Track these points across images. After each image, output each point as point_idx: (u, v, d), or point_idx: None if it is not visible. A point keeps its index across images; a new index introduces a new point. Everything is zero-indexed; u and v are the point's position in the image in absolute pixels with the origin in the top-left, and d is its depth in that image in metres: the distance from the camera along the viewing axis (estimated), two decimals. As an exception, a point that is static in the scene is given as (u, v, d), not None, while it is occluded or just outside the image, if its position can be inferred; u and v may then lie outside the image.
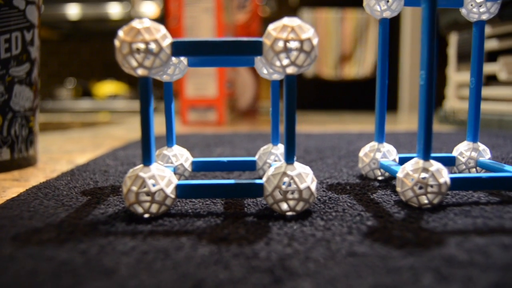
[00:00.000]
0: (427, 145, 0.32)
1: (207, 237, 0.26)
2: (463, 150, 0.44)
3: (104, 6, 2.48)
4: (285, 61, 0.29)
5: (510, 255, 0.23)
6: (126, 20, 2.48)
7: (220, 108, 1.23)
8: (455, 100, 1.23)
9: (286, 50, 0.28)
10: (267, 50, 0.29)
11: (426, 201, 0.32)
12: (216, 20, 1.18)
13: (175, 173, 0.41)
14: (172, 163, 0.40)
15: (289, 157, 0.30)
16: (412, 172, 0.32)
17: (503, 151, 0.61)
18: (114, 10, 2.48)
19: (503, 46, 1.00)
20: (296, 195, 0.30)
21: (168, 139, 0.41)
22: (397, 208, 0.32)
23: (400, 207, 0.32)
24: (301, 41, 0.28)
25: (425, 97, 0.31)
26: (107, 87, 2.51)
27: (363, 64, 2.12)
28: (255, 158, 0.43)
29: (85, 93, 2.56)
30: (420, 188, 0.31)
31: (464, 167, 0.44)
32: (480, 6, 0.41)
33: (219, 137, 0.85)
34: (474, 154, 0.43)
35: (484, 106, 1.07)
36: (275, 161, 0.42)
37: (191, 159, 0.42)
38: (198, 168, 0.42)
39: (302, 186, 0.30)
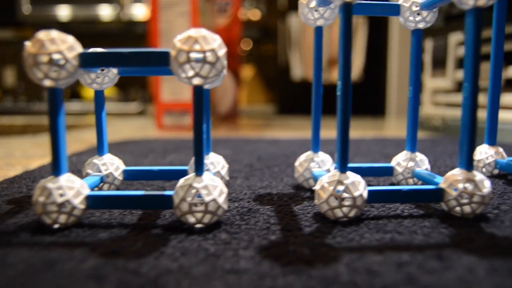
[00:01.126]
0: (343, 157, 0.32)
1: (100, 250, 0.26)
2: (400, 160, 0.44)
3: (94, 8, 2.48)
4: (190, 72, 0.29)
5: (399, 275, 0.23)
6: (116, 22, 2.49)
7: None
8: (431, 106, 1.22)
9: (190, 61, 0.28)
10: (172, 61, 0.29)
11: (341, 214, 0.32)
12: (192, 24, 1.18)
13: (104, 183, 0.40)
14: (101, 172, 0.40)
15: (198, 169, 0.30)
16: (327, 184, 0.32)
17: (449, 160, 0.60)
18: (104, 12, 2.48)
19: None
20: (202, 208, 0.29)
21: (99, 148, 0.41)
22: (311, 221, 0.32)
23: (315, 220, 0.32)
24: (205, 52, 0.28)
25: (340, 105, 0.31)
26: (95, 89, 2.51)
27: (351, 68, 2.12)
28: (187, 167, 0.43)
29: (73, 95, 2.56)
30: (335, 200, 0.31)
31: (401, 177, 0.44)
32: (417, 14, 0.40)
33: (181, 143, 0.84)
34: (411, 164, 0.43)
35: (457, 113, 1.07)
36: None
37: (122, 168, 0.42)
38: (130, 177, 0.42)
39: (207, 199, 0.29)
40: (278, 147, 0.77)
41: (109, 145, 0.79)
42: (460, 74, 1.07)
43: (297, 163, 0.43)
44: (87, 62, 0.29)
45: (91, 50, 0.31)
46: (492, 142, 0.50)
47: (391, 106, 1.97)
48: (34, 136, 1.07)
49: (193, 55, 0.28)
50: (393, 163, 0.45)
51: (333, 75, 2.11)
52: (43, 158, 0.68)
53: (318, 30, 0.41)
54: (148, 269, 0.23)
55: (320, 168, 0.42)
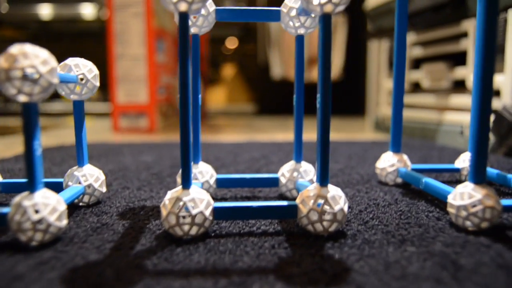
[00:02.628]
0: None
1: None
2: (285, 171, 0.43)
3: (75, 7, 2.44)
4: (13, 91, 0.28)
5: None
6: (97, 21, 2.45)
7: (152, 114, 1.22)
8: (387, 107, 1.23)
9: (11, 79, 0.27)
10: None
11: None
12: (146, 25, 1.16)
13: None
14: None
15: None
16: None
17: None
18: (86, 11, 2.44)
19: (427, 54, 1.01)
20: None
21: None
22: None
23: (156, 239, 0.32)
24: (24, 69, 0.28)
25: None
26: (76, 89, 2.47)
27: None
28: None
29: (54, 95, 2.52)
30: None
31: (285, 189, 0.43)
32: (296, 20, 0.39)
33: (114, 147, 0.84)
34: (295, 175, 0.42)
35: (409, 114, 1.08)
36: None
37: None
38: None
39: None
40: (222, 150, 0.77)
41: (47, 149, 0.78)
42: (413, 75, 1.07)
43: (279, 173, 0.43)
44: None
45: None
46: (396, 149, 0.49)
47: (370, 105, 1.98)
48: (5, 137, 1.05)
49: (13, 74, 0.27)
50: (279, 173, 0.43)
51: (313, 74, 2.11)
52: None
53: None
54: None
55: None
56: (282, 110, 2.19)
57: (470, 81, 0.84)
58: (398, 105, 0.48)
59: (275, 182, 0.43)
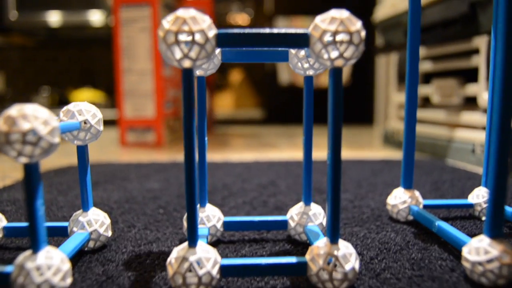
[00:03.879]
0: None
1: None
2: (294, 214, 0.41)
3: (84, 14, 2.44)
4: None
5: None
6: (105, 28, 2.45)
7: (159, 129, 1.21)
8: (396, 121, 1.22)
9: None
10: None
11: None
12: (153, 40, 1.16)
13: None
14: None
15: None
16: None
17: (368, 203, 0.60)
18: (94, 18, 2.45)
19: (437, 69, 1.00)
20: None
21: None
22: None
23: None
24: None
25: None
26: (84, 95, 2.48)
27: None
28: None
29: (62, 101, 2.52)
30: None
31: (293, 232, 0.41)
32: (305, 62, 0.38)
33: (118, 170, 0.83)
34: (304, 218, 0.41)
35: (419, 129, 1.07)
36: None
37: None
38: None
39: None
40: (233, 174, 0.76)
41: (55, 171, 0.77)
42: (423, 89, 1.05)
43: (288, 216, 0.42)
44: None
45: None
46: (408, 185, 0.48)
47: (379, 113, 1.96)
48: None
49: (13, 137, 0.27)
50: (287, 216, 0.42)
51: (321, 80, 2.10)
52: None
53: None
54: None
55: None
56: (290, 117, 2.18)
57: (482, 99, 0.83)
58: (409, 140, 0.47)
59: (283, 224, 0.42)
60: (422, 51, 1.06)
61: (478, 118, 0.85)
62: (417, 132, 1.08)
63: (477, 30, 0.83)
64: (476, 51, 0.87)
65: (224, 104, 3.58)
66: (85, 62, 2.64)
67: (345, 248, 0.31)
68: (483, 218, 0.48)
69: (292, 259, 0.31)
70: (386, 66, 1.89)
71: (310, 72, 0.39)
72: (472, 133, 0.86)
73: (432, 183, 0.68)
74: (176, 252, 0.30)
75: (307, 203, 0.41)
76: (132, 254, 0.39)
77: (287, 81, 2.14)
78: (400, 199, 0.48)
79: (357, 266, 0.30)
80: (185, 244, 0.30)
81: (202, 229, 0.39)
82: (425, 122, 1.06)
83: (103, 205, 0.55)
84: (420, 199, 0.48)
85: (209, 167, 0.84)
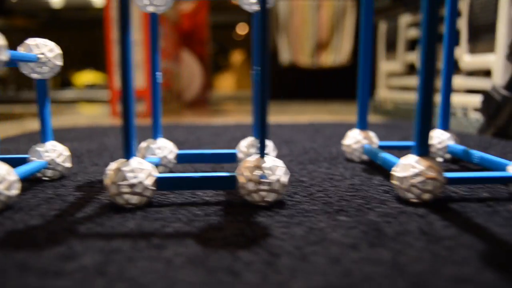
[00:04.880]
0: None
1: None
2: (242, 146, 0.44)
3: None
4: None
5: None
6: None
7: (149, 99, 1.23)
8: (384, 90, 1.22)
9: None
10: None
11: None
12: (144, 54, 1.19)
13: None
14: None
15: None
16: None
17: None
18: (96, -1, 2.47)
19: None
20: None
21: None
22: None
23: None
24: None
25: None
26: (85, 77, 2.51)
27: (340, 51, 2.11)
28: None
29: (64, 83, 2.56)
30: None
31: None
32: None
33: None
34: (252, 150, 0.43)
35: (406, 96, 1.07)
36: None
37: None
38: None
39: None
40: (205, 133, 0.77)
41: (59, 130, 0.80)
42: (410, 56, 1.06)
43: (237, 149, 0.44)
44: None
45: None
46: (363, 126, 0.50)
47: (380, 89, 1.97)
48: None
49: None
50: (237, 149, 0.44)
51: (322, 59, 2.11)
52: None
53: (153, 16, 0.41)
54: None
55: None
56: (290, 95, 2.19)
57: (463, 62, 0.84)
58: (365, 83, 0.49)
59: (233, 157, 0.44)
60: (408, 18, 1.06)
61: (459, 81, 0.86)
62: (403, 100, 1.09)
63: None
64: (458, 14, 0.87)
65: (226, 84, 3.60)
66: (87, 43, 2.67)
67: (272, 161, 0.32)
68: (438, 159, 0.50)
69: (224, 173, 0.33)
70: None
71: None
72: (452, 97, 0.87)
73: (402, 137, 0.70)
74: (112, 164, 0.32)
75: (256, 136, 0.43)
76: (87, 182, 0.41)
77: (288, 60, 2.14)
78: (354, 139, 0.49)
79: (284, 179, 0.32)
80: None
81: (153, 159, 0.41)
82: (410, 89, 1.07)
83: (75, 151, 0.57)
84: (375, 139, 0.49)
85: (189, 129, 0.86)
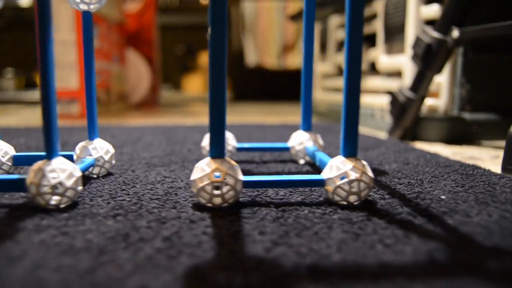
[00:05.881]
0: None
1: None
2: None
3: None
4: None
5: None
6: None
7: (83, 100, 1.21)
8: (319, 92, 1.24)
9: None
10: None
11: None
12: (76, 10, 1.15)
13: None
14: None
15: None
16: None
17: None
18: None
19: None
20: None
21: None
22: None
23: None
24: None
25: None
26: (50, 77, 2.46)
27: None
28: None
29: (28, 83, 2.50)
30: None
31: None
32: None
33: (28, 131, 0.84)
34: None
35: (337, 97, 1.09)
36: None
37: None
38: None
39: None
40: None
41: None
42: (340, 57, 1.07)
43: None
44: None
45: None
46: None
47: (315, 90, 1.99)
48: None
49: None
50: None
51: (288, 61, 2.12)
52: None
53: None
54: None
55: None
56: (257, 97, 2.20)
57: (380, 63, 0.85)
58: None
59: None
60: (337, 19, 1.08)
61: (377, 83, 0.87)
62: (334, 101, 1.11)
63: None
64: (374, 16, 0.89)
65: (193, 86, 3.58)
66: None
67: (58, 163, 0.31)
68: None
69: (14, 176, 0.33)
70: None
71: (84, 7, 0.40)
72: (372, 98, 0.89)
73: (328, 143, 0.69)
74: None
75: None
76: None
77: (254, 62, 2.15)
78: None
79: (67, 182, 0.31)
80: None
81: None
82: (339, 90, 1.09)
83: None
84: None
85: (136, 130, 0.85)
